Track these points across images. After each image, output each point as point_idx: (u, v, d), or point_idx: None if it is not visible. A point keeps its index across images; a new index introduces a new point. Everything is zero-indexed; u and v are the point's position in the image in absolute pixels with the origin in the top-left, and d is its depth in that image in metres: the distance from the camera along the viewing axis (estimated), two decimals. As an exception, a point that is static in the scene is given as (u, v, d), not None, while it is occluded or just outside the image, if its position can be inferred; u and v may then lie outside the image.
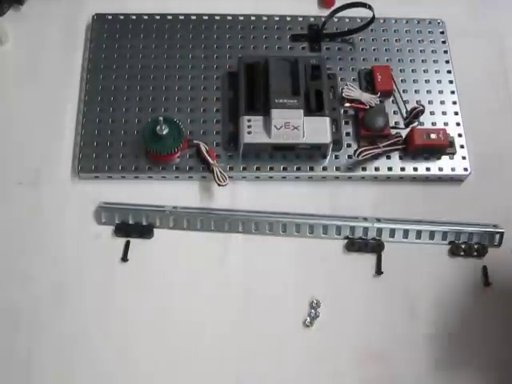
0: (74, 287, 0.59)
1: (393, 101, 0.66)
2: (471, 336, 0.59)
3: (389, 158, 0.64)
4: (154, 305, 0.59)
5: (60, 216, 0.61)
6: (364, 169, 0.64)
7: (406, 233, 0.62)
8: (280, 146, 0.62)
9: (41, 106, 0.66)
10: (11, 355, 0.57)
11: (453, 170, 0.64)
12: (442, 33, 0.71)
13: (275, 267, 0.60)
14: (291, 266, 0.61)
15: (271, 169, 0.63)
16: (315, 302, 0.59)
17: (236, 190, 0.63)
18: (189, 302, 0.59)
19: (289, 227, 0.61)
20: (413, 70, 0.68)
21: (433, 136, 0.63)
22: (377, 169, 0.64)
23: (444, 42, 0.70)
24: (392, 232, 0.62)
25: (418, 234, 0.62)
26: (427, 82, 0.68)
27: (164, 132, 0.60)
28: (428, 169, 0.64)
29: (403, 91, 0.67)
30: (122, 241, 0.61)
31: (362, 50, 0.69)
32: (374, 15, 0.67)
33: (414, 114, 0.65)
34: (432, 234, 0.62)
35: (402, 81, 0.67)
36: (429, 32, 0.71)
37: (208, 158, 0.62)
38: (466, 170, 0.64)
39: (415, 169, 0.64)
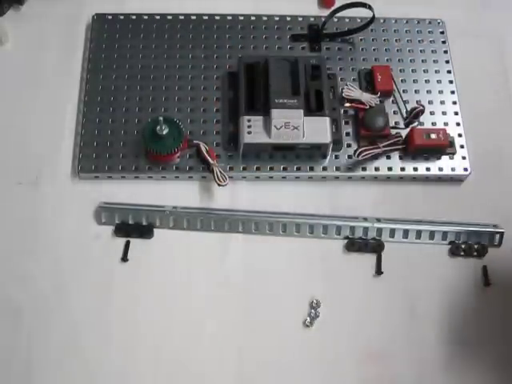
0: (74, 287, 0.59)
1: (393, 101, 0.66)
2: (471, 336, 0.59)
3: (389, 157, 0.64)
4: (154, 305, 0.59)
5: (60, 216, 0.61)
6: (364, 169, 0.64)
7: (405, 233, 0.62)
8: (280, 146, 0.62)
9: (41, 106, 0.66)
10: (11, 355, 0.56)
11: (453, 170, 0.64)
12: (442, 33, 0.71)
13: (275, 267, 0.60)
14: (291, 266, 0.61)
15: (271, 169, 0.63)
16: (315, 302, 0.59)
17: (236, 190, 0.63)
18: (189, 301, 0.59)
19: (289, 227, 0.61)
20: (413, 70, 0.68)
21: (433, 136, 0.63)
22: (377, 169, 0.64)
23: (444, 42, 0.70)
24: (392, 232, 0.62)
25: (418, 233, 0.62)
26: (427, 81, 0.68)
27: (164, 132, 0.60)
28: (428, 169, 0.64)
29: (403, 91, 0.67)
30: (121, 241, 0.61)
31: (362, 50, 0.69)
32: (373, 15, 0.67)
33: (414, 114, 0.65)
34: (432, 234, 0.62)
35: (402, 81, 0.67)
36: (429, 32, 0.71)
37: (208, 158, 0.62)
38: (466, 170, 0.64)
39: (415, 169, 0.64)
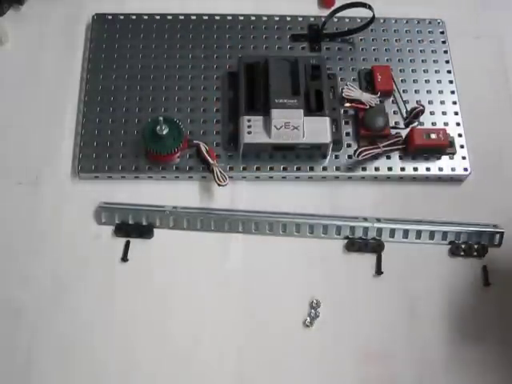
0: (74, 287, 0.59)
1: (393, 101, 0.66)
2: (471, 336, 0.59)
3: (389, 158, 0.64)
4: (154, 305, 0.59)
5: (60, 216, 0.61)
6: (364, 169, 0.64)
7: (405, 233, 0.62)
8: (280, 146, 0.62)
9: (41, 106, 0.66)
10: (11, 355, 0.56)
11: (453, 170, 0.64)
12: (442, 33, 0.71)
13: (275, 267, 0.60)
14: (291, 266, 0.61)
15: (271, 169, 0.63)
16: (315, 301, 0.59)
17: (236, 190, 0.63)
18: (189, 301, 0.59)
19: (289, 227, 0.61)
20: (413, 70, 0.68)
21: (433, 136, 0.63)
22: (377, 169, 0.64)
23: (444, 42, 0.70)
24: (392, 232, 0.62)
25: (418, 233, 0.62)
26: (427, 81, 0.68)
27: (164, 132, 0.60)
28: (428, 169, 0.64)
29: (403, 91, 0.67)
30: (121, 241, 0.61)
31: (362, 50, 0.69)
32: (373, 15, 0.67)
33: (414, 114, 0.65)
34: (432, 234, 0.62)
35: (402, 81, 0.67)
36: (429, 32, 0.71)
37: (208, 158, 0.62)
38: (466, 170, 0.64)
39: (415, 169, 0.64)
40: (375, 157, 0.63)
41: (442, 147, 0.64)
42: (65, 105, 0.66)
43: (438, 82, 0.68)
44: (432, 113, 0.66)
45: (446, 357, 0.58)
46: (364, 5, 0.66)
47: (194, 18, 0.70)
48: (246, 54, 0.67)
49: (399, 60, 0.69)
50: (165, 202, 0.62)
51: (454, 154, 0.64)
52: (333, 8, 0.69)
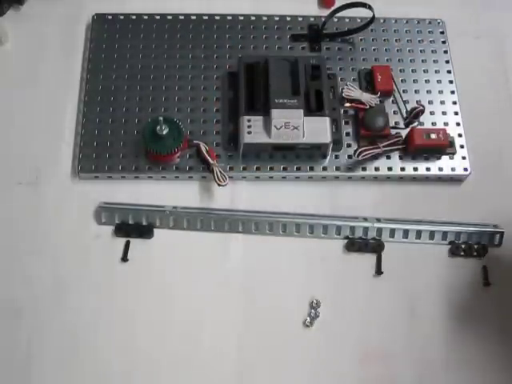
0: (74, 287, 0.59)
1: (393, 101, 0.66)
2: (471, 336, 0.59)
3: (389, 158, 0.64)
4: (154, 305, 0.59)
5: (60, 216, 0.61)
6: (364, 169, 0.64)
7: (405, 233, 0.62)
8: (280, 146, 0.62)
9: (41, 106, 0.66)
10: (12, 355, 0.57)
11: (453, 170, 0.64)
12: (442, 33, 0.71)
13: (275, 267, 0.60)
14: (291, 265, 0.61)
15: (271, 169, 0.63)
16: (315, 301, 0.59)
17: (236, 190, 0.63)
18: (189, 301, 0.59)
19: (289, 227, 0.61)
20: (413, 70, 0.68)
21: (433, 136, 0.63)
22: (377, 169, 0.64)
23: (444, 42, 0.70)
24: (392, 232, 0.62)
25: (418, 233, 0.62)
26: (427, 81, 0.68)
27: (164, 132, 0.60)
28: (428, 169, 0.64)
29: (403, 91, 0.67)
30: (121, 241, 0.61)
31: (362, 50, 0.69)
32: (373, 15, 0.67)
33: (414, 114, 0.65)
34: (432, 234, 0.62)
35: (402, 81, 0.67)
36: (429, 32, 0.71)
37: (208, 158, 0.62)
38: (466, 170, 0.64)
39: (415, 169, 0.64)
40: (375, 157, 0.63)
41: (442, 147, 0.64)
42: (65, 105, 0.66)
43: (438, 82, 0.68)
44: (432, 113, 0.66)
45: (445, 357, 0.58)
46: (364, 5, 0.66)
47: (193, 18, 0.70)
48: (246, 54, 0.67)
49: (399, 60, 0.69)
50: (165, 202, 0.62)
51: (454, 154, 0.64)
52: (333, 8, 0.69)
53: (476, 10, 0.73)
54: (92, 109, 0.65)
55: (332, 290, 0.60)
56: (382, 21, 0.70)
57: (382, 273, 0.60)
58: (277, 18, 0.70)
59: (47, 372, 0.56)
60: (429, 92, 0.67)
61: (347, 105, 0.65)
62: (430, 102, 0.67)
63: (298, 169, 0.63)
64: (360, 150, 0.61)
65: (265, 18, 0.70)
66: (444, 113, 0.67)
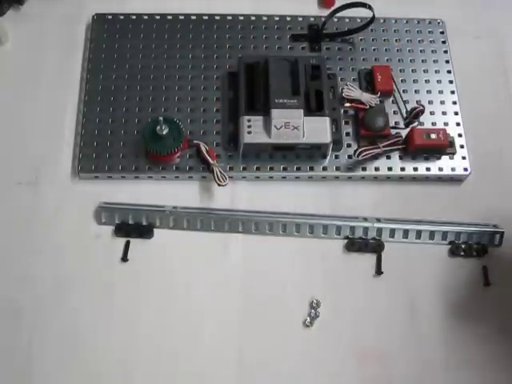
0: (74, 287, 0.59)
1: (393, 101, 0.66)
2: (471, 336, 0.59)
3: (389, 158, 0.64)
4: (154, 305, 0.59)
5: (60, 216, 0.61)
6: (364, 169, 0.64)
7: (405, 233, 0.62)
8: (280, 146, 0.62)
9: (41, 106, 0.66)
10: (12, 355, 0.56)
11: (453, 170, 0.64)
12: (442, 33, 0.71)
13: (275, 267, 0.60)
14: (291, 265, 0.61)
15: (271, 169, 0.63)
16: (315, 301, 0.59)
17: (236, 190, 0.63)
18: (189, 301, 0.59)
19: (289, 227, 0.61)
20: (413, 70, 0.68)
21: (433, 136, 0.63)
22: (377, 169, 0.64)
23: (444, 42, 0.70)
24: (392, 232, 0.62)
25: (418, 233, 0.62)
26: (427, 81, 0.68)
27: (164, 132, 0.60)
28: (428, 169, 0.64)
29: (403, 91, 0.67)
30: (121, 241, 0.61)
31: (362, 50, 0.69)
32: (373, 15, 0.67)
33: (414, 114, 0.65)
34: (432, 234, 0.62)
35: (402, 81, 0.67)
36: (429, 32, 0.71)
37: (208, 158, 0.62)
38: (466, 170, 0.64)
39: (415, 169, 0.64)
40: (375, 157, 0.63)
41: (442, 147, 0.64)
42: (65, 105, 0.66)
43: (438, 82, 0.68)
44: (432, 113, 0.66)
45: (446, 357, 0.58)
46: (364, 5, 0.66)
47: (193, 18, 0.70)
48: (246, 54, 0.67)
49: (399, 60, 0.69)
50: (165, 202, 0.62)
51: (454, 154, 0.64)
52: (333, 8, 0.69)
53: (476, 10, 0.73)
54: (92, 109, 0.65)
55: (332, 290, 0.60)
56: (382, 21, 0.70)
57: (382, 273, 0.60)
58: (277, 18, 0.70)
59: (47, 372, 0.56)
60: (429, 92, 0.67)
61: (347, 105, 0.65)
62: (430, 102, 0.67)
63: (298, 169, 0.63)
64: (360, 150, 0.62)
65: (265, 18, 0.70)
66: (444, 113, 0.67)
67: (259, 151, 0.63)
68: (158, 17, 0.69)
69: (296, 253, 0.61)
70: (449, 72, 0.69)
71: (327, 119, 0.62)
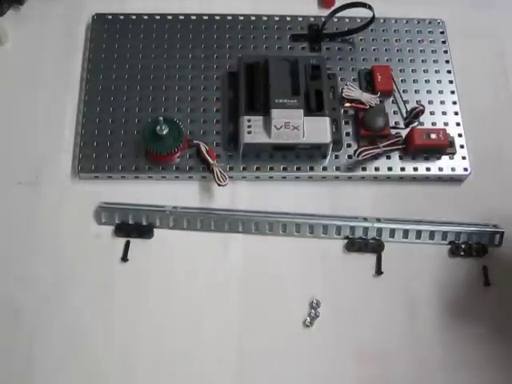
0: (74, 287, 0.59)
1: (393, 101, 0.66)
2: (471, 336, 0.59)
3: (389, 158, 0.64)
4: (154, 305, 0.59)
5: (60, 216, 0.61)
6: (364, 169, 0.64)
7: (405, 233, 0.62)
8: (280, 146, 0.62)
9: (41, 106, 0.66)
10: (11, 355, 0.56)
11: (453, 170, 0.64)
12: (442, 33, 0.71)
13: (275, 267, 0.60)
14: (291, 265, 0.61)
15: (271, 169, 0.63)
16: (315, 301, 0.59)
17: (236, 190, 0.63)
18: (189, 301, 0.59)
19: (289, 227, 0.61)
20: (413, 70, 0.68)
21: (433, 136, 0.63)
22: (377, 169, 0.64)
23: (444, 42, 0.70)
24: (392, 232, 0.62)
25: (418, 233, 0.62)
26: (427, 81, 0.68)
27: (164, 132, 0.60)
28: (428, 169, 0.64)
29: (403, 91, 0.67)
30: (121, 241, 0.61)
31: (362, 50, 0.69)
32: (373, 15, 0.67)
33: (414, 114, 0.65)
34: (432, 234, 0.62)
35: (402, 81, 0.67)
36: (429, 32, 0.71)
37: (208, 158, 0.62)
38: (466, 170, 0.64)
39: (415, 169, 0.64)
40: (375, 157, 0.63)
41: (442, 147, 0.64)
42: (65, 105, 0.66)
43: (438, 82, 0.68)
44: (432, 113, 0.66)
45: (445, 357, 0.58)
46: (364, 5, 0.66)
47: (193, 18, 0.70)
48: (246, 54, 0.67)
49: (399, 60, 0.69)
50: (165, 202, 0.62)
51: (454, 154, 0.64)
52: (333, 8, 0.69)
53: (476, 10, 0.73)
54: (92, 109, 0.65)
55: (332, 290, 0.60)
56: (382, 21, 0.70)
57: (382, 273, 0.60)
58: (277, 18, 0.70)
59: (48, 372, 0.56)
60: (429, 92, 0.67)
61: (347, 105, 0.65)
62: (430, 102, 0.67)
63: (298, 169, 0.63)
64: (360, 149, 0.62)
65: (265, 18, 0.70)
66: (444, 113, 0.67)
67: (259, 151, 0.63)
68: (157, 17, 0.69)
69: (296, 253, 0.61)
70: (449, 72, 0.69)
71: (327, 119, 0.62)
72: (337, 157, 0.64)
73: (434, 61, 0.69)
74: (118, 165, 0.62)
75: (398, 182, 0.64)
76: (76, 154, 0.63)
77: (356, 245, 0.61)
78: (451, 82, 0.68)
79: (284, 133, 0.61)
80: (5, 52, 0.68)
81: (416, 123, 0.65)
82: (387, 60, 0.69)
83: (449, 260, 0.62)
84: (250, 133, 0.61)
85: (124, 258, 0.60)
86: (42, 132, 0.64)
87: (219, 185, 0.61)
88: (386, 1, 0.70)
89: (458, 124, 0.66)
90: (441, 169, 0.64)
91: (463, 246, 0.62)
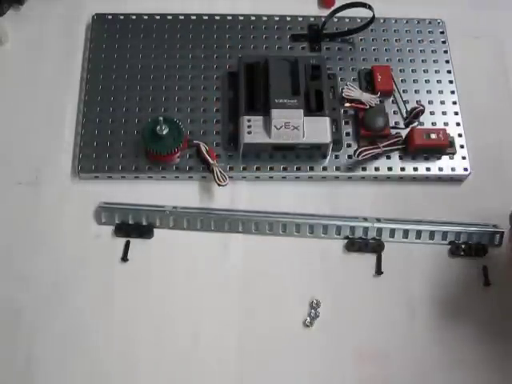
0: (74, 287, 0.59)
1: (393, 101, 0.66)
2: (471, 336, 0.59)
3: (389, 158, 0.64)
4: (154, 304, 0.59)
5: (60, 216, 0.61)
6: (364, 169, 0.64)
7: (405, 233, 0.62)
8: (280, 146, 0.62)
9: (41, 106, 0.66)
10: (11, 355, 0.56)
11: (453, 170, 0.64)
12: (442, 33, 0.71)
13: (275, 267, 0.60)
14: (291, 265, 0.61)
15: (271, 169, 0.63)
16: (315, 301, 0.59)
17: (236, 190, 0.63)
18: (188, 301, 0.59)
19: (289, 227, 0.61)
20: (413, 70, 0.68)
21: (433, 136, 0.63)
22: (377, 169, 0.64)
23: (444, 42, 0.70)
24: (392, 232, 0.62)
25: (418, 233, 0.62)
26: (427, 81, 0.68)
27: (164, 132, 0.61)
28: (428, 169, 0.64)
29: (403, 91, 0.67)
30: (121, 241, 0.61)
31: (362, 50, 0.69)
32: (373, 15, 0.67)
33: (414, 114, 0.65)
34: (432, 234, 0.62)
35: (402, 81, 0.67)
36: (429, 32, 0.71)
37: (208, 158, 0.62)
38: (466, 170, 0.64)
39: (415, 169, 0.64)
40: (375, 157, 0.63)
41: (442, 147, 0.64)
42: (65, 105, 0.66)
43: (438, 82, 0.68)
44: (432, 113, 0.66)
45: (445, 357, 0.58)
46: (364, 5, 0.66)
47: (193, 18, 0.70)
48: (246, 54, 0.67)
49: (399, 60, 0.69)
50: (165, 202, 0.62)
51: (454, 154, 0.65)
52: (333, 8, 0.69)
53: (476, 10, 0.73)
54: (92, 109, 0.65)
55: (332, 290, 0.60)
56: (382, 21, 0.70)
57: (382, 273, 0.60)
58: (277, 18, 0.70)
59: (48, 372, 0.56)
60: (429, 92, 0.67)
61: (347, 105, 0.65)
62: (430, 102, 0.67)
63: (298, 169, 0.63)
64: (360, 149, 0.62)
65: (265, 18, 0.70)
66: (444, 113, 0.67)
67: (259, 151, 0.63)
68: (157, 17, 0.69)
69: (296, 253, 0.61)
70: (449, 72, 0.69)
71: (327, 119, 0.62)
72: (337, 157, 0.64)
73: (433, 61, 0.69)
74: (118, 165, 0.62)
75: (397, 181, 0.64)
76: (76, 154, 0.63)
77: (356, 245, 0.61)
78: (451, 81, 0.68)
79: (284, 133, 0.61)
80: (5, 52, 0.68)
81: (416, 123, 0.65)
82: (387, 60, 0.69)
83: (449, 260, 0.62)
84: (250, 133, 0.61)
85: (124, 258, 0.60)
86: (42, 132, 0.64)
87: (219, 185, 0.61)
88: (386, 1, 0.70)
89: (457, 124, 0.66)
90: (441, 169, 0.64)
91: (463, 246, 0.62)
